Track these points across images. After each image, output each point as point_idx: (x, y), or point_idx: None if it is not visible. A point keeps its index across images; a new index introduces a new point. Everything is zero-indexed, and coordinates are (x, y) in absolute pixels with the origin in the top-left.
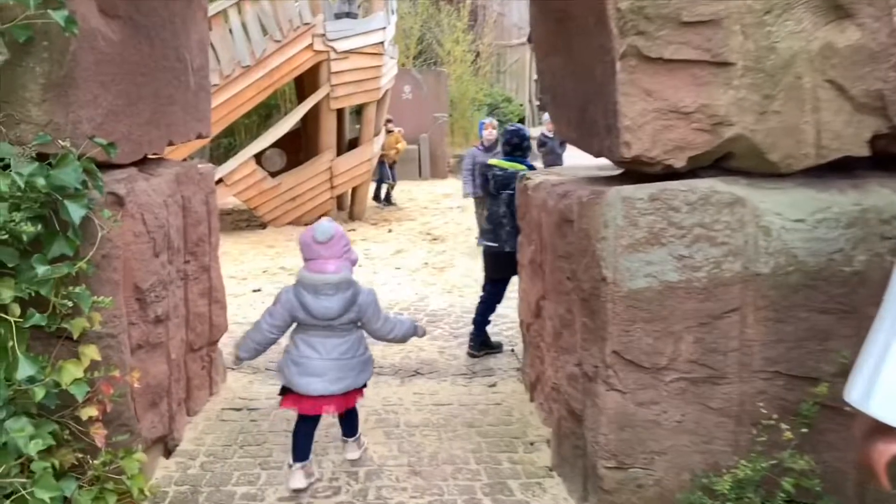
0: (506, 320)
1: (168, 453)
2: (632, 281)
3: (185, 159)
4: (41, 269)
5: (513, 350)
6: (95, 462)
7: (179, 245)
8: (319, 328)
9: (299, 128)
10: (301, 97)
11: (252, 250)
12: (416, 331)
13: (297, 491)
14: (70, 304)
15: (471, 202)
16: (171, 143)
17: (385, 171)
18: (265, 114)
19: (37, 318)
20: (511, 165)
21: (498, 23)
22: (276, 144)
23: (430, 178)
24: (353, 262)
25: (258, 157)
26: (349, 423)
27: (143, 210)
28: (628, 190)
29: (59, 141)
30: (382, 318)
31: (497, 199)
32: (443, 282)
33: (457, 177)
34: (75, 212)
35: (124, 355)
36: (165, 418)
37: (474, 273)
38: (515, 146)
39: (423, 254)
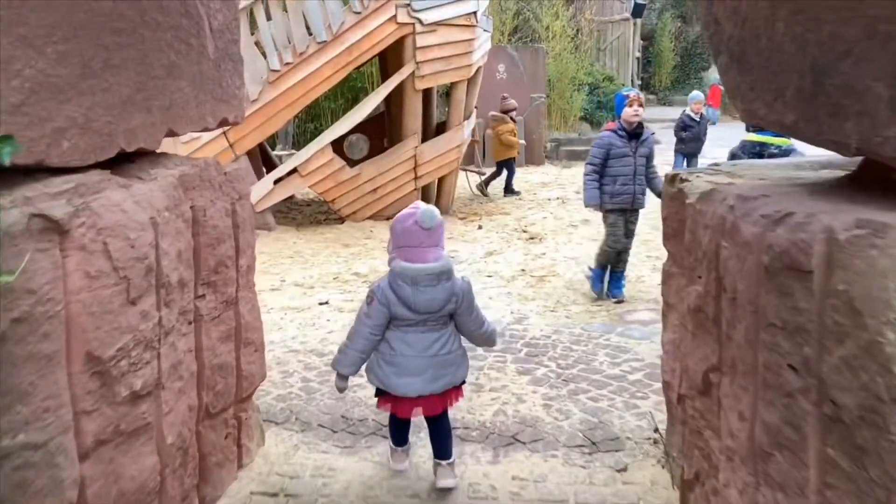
0: (631, 357)
1: None
2: None
3: (260, 145)
4: None
5: (656, 428)
6: None
7: (184, 277)
8: (415, 323)
9: (383, 112)
10: (385, 76)
11: (325, 250)
12: (495, 337)
13: (400, 472)
14: None
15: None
16: (172, 133)
17: (509, 163)
18: (352, 97)
19: None
20: (784, 142)
21: None
22: (360, 130)
23: (524, 164)
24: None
25: (340, 145)
26: (442, 437)
27: (108, 236)
28: None
29: None
30: (476, 310)
31: None
32: (544, 296)
33: (554, 163)
34: None
35: (63, 472)
36: None
37: (584, 283)
38: None
39: (520, 257)
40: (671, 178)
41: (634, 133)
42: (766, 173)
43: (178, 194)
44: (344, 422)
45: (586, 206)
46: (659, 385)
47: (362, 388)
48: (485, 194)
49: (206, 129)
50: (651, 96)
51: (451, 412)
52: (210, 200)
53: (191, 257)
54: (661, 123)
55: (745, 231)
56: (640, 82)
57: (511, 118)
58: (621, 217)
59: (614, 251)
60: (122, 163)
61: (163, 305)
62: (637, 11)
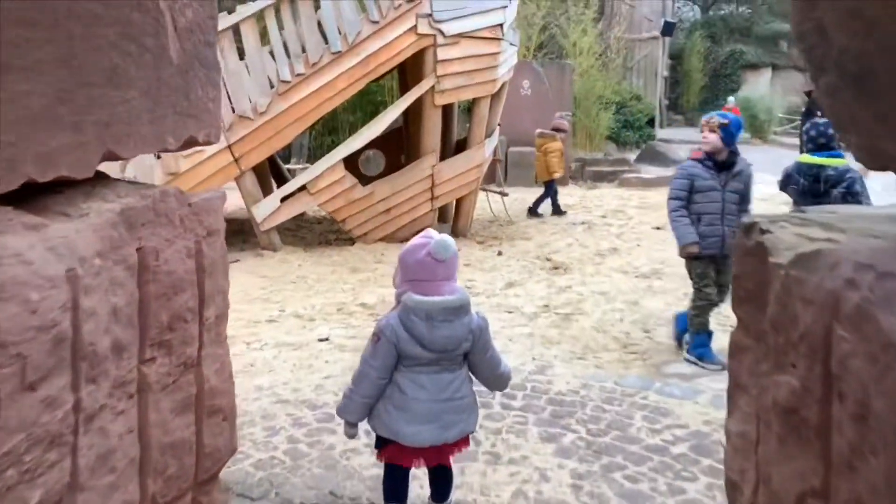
0: (672, 423)
1: None
2: None
3: (270, 159)
4: None
5: None
6: None
7: (122, 340)
8: (427, 363)
9: (401, 126)
10: (403, 90)
11: (332, 275)
12: (510, 378)
13: None
14: None
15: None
16: (112, 157)
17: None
18: (371, 111)
19: None
20: (840, 162)
21: (627, 15)
22: (377, 146)
23: None
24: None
25: (355, 161)
26: (443, 482)
27: None
28: None
29: None
30: (492, 349)
31: (825, 198)
32: (570, 339)
33: (579, 183)
34: None
35: None
36: None
37: (614, 325)
38: (830, 139)
39: (543, 290)
40: (747, 228)
41: (724, 164)
42: (877, 228)
43: (119, 234)
44: (332, 501)
45: (682, 246)
46: (708, 463)
47: (357, 455)
48: (561, 213)
49: (165, 150)
50: (678, 116)
51: (461, 494)
52: (165, 240)
53: (134, 313)
54: (689, 145)
55: (887, 324)
56: (667, 102)
57: (561, 139)
58: (711, 265)
59: (710, 305)
60: (46, 194)
61: (84, 382)
62: (667, 30)
